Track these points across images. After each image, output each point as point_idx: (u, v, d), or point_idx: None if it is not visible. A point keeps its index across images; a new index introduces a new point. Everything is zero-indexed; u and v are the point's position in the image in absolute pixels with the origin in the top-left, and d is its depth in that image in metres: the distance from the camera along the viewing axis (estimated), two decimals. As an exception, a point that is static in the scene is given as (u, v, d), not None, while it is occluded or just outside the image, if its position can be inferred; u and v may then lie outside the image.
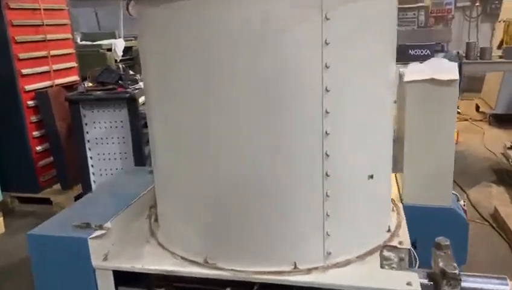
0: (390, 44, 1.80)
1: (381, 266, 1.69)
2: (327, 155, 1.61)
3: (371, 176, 1.76)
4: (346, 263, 1.70)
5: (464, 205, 2.49)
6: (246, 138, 1.60)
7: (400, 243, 1.84)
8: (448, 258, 1.66)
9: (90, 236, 1.76)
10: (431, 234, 1.75)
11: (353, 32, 1.57)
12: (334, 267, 1.67)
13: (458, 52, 5.34)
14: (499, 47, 6.13)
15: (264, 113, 1.57)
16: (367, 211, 1.80)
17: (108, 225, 1.86)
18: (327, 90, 1.56)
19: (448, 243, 1.71)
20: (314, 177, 1.62)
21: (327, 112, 1.58)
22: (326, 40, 1.51)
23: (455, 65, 2.22)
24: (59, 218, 1.99)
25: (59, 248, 1.79)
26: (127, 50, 6.36)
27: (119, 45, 5.96)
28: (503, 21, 6.46)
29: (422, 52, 5.03)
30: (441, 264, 1.63)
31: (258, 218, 1.66)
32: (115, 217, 1.93)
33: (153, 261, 1.77)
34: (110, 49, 5.95)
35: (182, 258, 1.77)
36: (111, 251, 1.83)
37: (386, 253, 1.78)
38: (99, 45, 5.95)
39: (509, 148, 4.54)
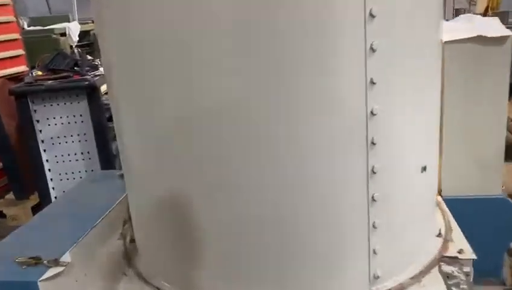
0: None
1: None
2: (373, 144, 1.18)
3: (424, 168, 1.36)
4: (400, 288, 1.33)
5: (503, 188, 2.11)
6: (260, 131, 1.16)
7: (460, 251, 1.45)
8: (535, 270, 1.28)
9: (41, 278, 1.36)
10: (480, 230, 1.53)
11: None
12: (386, 296, 1.28)
13: (447, 21, 5.03)
14: (485, 14, 5.92)
15: (285, 91, 1.13)
16: (419, 214, 1.44)
17: (66, 257, 1.46)
18: (373, 50, 1.10)
19: (528, 248, 1.34)
20: (355, 176, 1.21)
21: (373, 82, 1.11)
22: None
23: (497, 20, 1.80)
24: (-1, 250, 1.60)
25: (-1, 297, 1.42)
26: (84, 35, 5.88)
27: (73, 29, 5.47)
28: (486, -14, 6.24)
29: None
30: (527, 280, 1.24)
31: (278, 235, 1.24)
32: (76, 245, 1.53)
33: (133, 303, 1.43)
34: (64, 34, 5.45)
35: (172, 297, 1.40)
36: (74, 291, 1.46)
37: (446, 268, 1.43)
38: (51, 30, 5.52)
39: (513, 120, 4.25)
